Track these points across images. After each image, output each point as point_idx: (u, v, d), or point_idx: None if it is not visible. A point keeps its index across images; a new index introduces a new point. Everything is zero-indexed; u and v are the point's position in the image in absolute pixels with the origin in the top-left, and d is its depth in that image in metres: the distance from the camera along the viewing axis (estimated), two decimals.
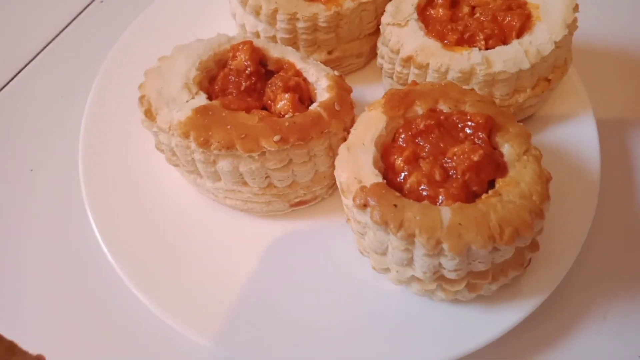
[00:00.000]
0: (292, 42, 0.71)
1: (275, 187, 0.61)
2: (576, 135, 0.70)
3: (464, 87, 0.64)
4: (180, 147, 0.58)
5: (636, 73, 0.82)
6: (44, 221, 0.70)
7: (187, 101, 0.58)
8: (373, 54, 0.76)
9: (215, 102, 0.58)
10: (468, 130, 0.56)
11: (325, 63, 0.73)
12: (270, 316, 0.59)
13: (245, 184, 0.60)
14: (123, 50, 0.79)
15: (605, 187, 0.67)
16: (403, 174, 0.55)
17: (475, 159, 0.53)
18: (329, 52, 0.74)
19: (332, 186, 0.65)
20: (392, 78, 0.71)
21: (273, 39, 0.71)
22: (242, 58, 0.62)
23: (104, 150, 0.69)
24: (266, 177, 0.59)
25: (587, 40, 0.83)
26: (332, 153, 0.60)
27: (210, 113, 0.56)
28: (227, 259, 0.63)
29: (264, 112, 0.59)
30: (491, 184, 0.55)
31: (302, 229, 0.65)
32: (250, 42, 0.63)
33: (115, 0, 0.95)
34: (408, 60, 0.66)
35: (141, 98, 0.59)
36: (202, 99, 0.59)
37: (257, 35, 0.72)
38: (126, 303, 0.61)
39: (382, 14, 0.71)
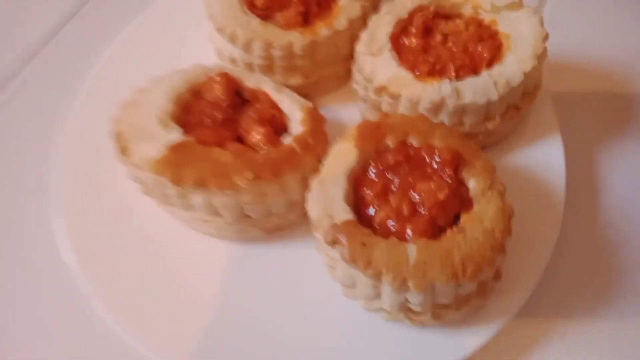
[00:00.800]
0: (269, 69, 0.72)
1: (249, 217, 0.62)
2: (543, 158, 0.72)
3: (436, 115, 0.67)
4: (154, 182, 0.59)
5: (608, 93, 0.84)
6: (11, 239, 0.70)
7: (162, 137, 0.59)
8: (349, 75, 0.77)
9: (189, 139, 0.59)
10: (435, 166, 0.58)
11: (302, 86, 0.74)
12: (242, 337, 0.61)
13: (218, 214, 0.61)
14: (103, 71, 0.79)
15: (570, 210, 0.70)
16: (373, 208, 0.57)
17: (441, 197, 0.55)
18: (306, 77, 0.75)
19: (306, 212, 0.67)
20: (366, 102, 0.73)
21: (250, 65, 0.72)
22: (218, 90, 0.63)
23: (78, 178, 0.70)
24: (240, 209, 0.61)
25: (561, 59, 0.85)
26: (306, 183, 0.62)
27: (184, 150, 0.58)
28: (201, 283, 0.64)
29: (238, 147, 0.60)
30: (458, 216, 0.57)
31: (277, 253, 0.67)
32: (226, 74, 0.64)
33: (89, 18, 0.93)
34: (381, 90, 0.67)
35: (115, 134, 0.60)
36: (176, 134, 0.60)
37: (234, 60, 0.73)
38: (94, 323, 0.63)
39: (357, 38, 0.72)
